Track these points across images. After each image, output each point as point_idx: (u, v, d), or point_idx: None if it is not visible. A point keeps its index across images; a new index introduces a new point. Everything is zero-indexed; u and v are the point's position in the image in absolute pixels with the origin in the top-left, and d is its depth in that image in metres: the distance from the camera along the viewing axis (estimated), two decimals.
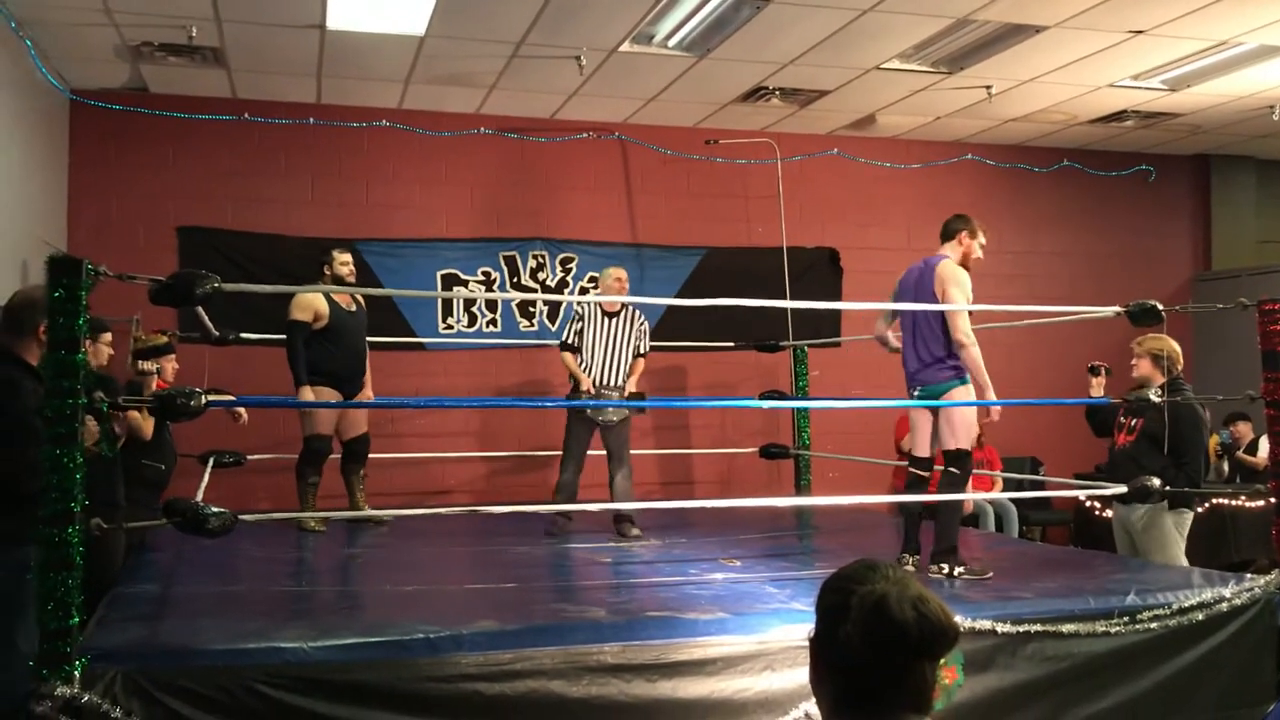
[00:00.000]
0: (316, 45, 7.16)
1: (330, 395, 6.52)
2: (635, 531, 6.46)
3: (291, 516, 6.00)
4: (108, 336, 5.20)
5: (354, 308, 6.76)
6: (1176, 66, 7.66)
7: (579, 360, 6.70)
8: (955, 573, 5.09)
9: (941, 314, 5.27)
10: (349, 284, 6.72)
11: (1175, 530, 5.85)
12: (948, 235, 5.52)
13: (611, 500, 6.57)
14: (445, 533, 6.64)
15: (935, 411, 5.35)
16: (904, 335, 5.51)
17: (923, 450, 5.50)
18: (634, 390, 6.71)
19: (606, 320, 6.70)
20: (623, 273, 6.81)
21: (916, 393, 5.38)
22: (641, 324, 6.80)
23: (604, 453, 6.71)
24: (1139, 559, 5.83)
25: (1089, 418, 6.54)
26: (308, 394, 6.40)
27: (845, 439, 8.59)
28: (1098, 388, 6.39)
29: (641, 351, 6.79)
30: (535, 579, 5.26)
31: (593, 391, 6.55)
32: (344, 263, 6.71)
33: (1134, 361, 6.06)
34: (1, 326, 4.23)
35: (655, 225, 9.22)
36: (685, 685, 3.82)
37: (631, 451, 8.53)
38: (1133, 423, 6.00)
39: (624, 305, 6.72)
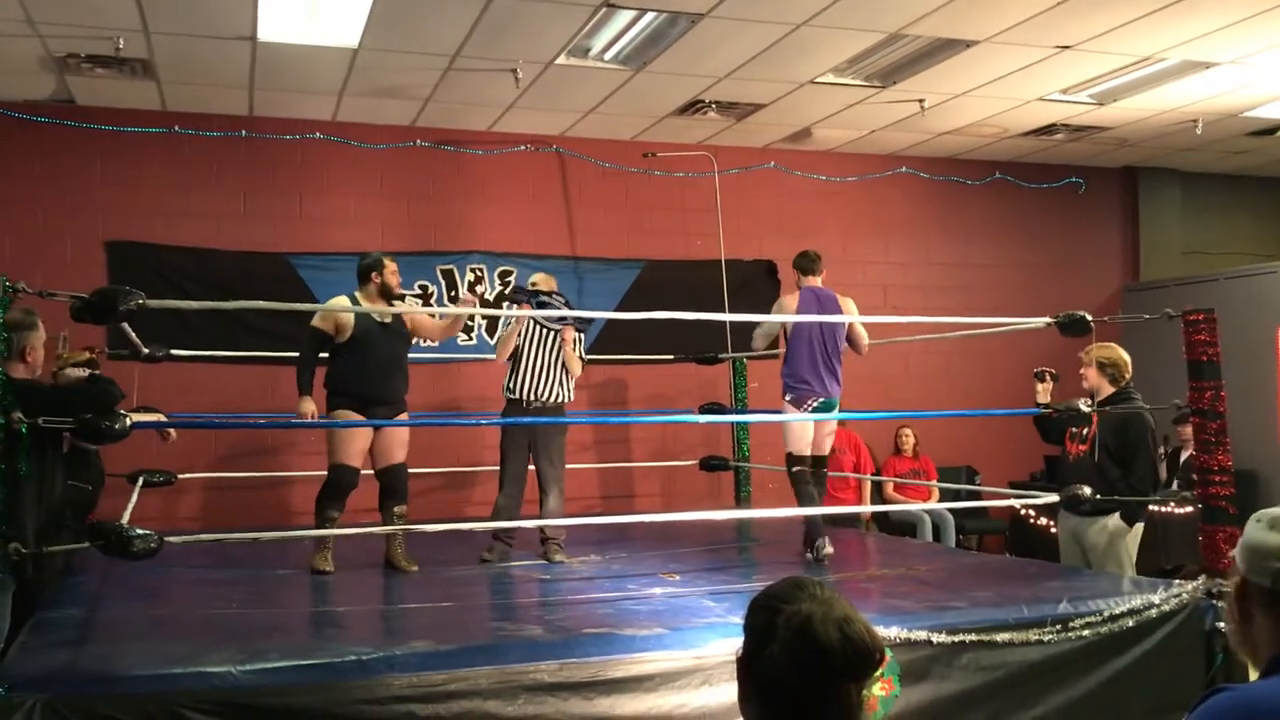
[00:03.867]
0: (248, 57, 7.06)
1: (355, 418, 5.90)
2: (560, 558, 6.15)
3: (223, 539, 5.81)
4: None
5: (388, 319, 6.01)
6: (1103, 81, 7.80)
7: (512, 377, 6.34)
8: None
9: (845, 337, 6.28)
10: (397, 294, 6.09)
11: (1130, 545, 5.79)
12: (817, 270, 6.39)
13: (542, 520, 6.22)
14: (379, 551, 6.54)
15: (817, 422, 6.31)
16: (808, 355, 6.18)
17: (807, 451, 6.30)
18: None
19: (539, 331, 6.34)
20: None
21: (818, 404, 6.17)
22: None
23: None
24: (1069, 566, 5.90)
25: (1038, 423, 6.32)
26: (308, 405, 5.83)
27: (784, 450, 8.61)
28: (1044, 393, 6.22)
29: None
30: (471, 598, 5.21)
31: None
32: (394, 272, 6.03)
33: (1082, 371, 5.99)
34: None
35: (594, 238, 9.21)
36: (623, 702, 3.80)
37: (572, 466, 8.53)
38: (1084, 432, 5.92)
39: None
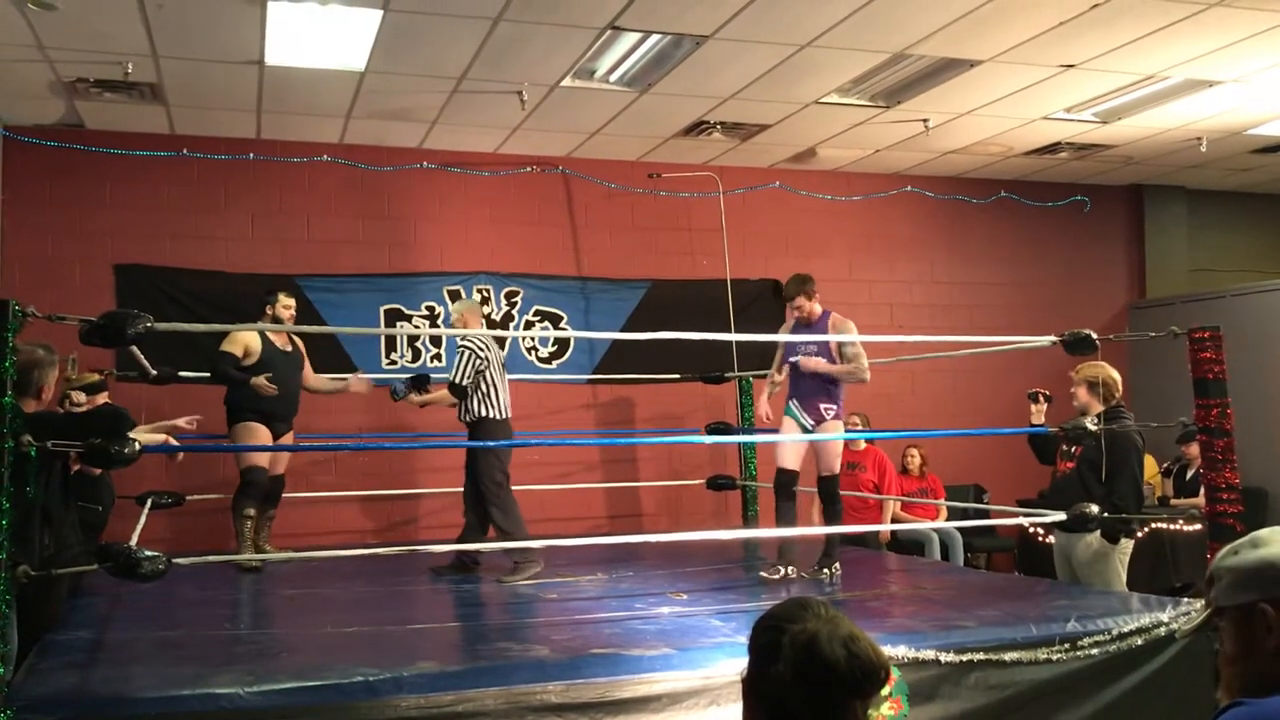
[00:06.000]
0: (255, 81, 7.11)
1: (262, 430, 6.64)
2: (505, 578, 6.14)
3: (230, 559, 5.89)
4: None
5: (289, 348, 6.84)
6: (1107, 100, 7.83)
7: (488, 395, 6.41)
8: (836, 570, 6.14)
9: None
10: (288, 326, 6.77)
11: (1116, 562, 5.84)
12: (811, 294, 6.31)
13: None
14: (387, 571, 6.55)
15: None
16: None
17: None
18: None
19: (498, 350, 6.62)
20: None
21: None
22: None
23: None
24: (1076, 585, 5.88)
25: (1032, 444, 6.50)
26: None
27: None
28: (1038, 414, 6.34)
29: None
30: (478, 618, 5.21)
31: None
32: (286, 306, 6.80)
33: (1072, 389, 6.07)
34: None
35: (600, 258, 9.24)
36: None
37: (579, 485, 8.55)
38: (1072, 450, 6.03)
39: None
